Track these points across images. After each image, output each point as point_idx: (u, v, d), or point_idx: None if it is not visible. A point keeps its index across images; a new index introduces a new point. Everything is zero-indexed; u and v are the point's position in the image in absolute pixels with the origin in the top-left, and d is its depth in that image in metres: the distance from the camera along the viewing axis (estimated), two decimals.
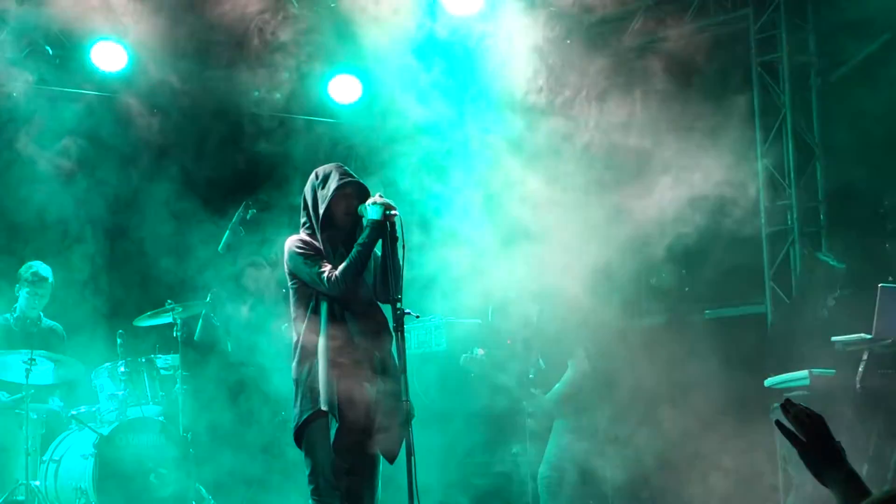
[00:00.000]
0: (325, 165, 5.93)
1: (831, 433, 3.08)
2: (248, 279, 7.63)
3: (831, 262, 8.06)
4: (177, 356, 8.93)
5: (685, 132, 8.24)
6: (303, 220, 5.88)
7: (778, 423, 3.17)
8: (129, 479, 8.40)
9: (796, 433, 3.09)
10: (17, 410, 8.56)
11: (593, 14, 9.05)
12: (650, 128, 8.67)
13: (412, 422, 5.46)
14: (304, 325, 5.69)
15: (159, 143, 9.76)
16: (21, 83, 8.91)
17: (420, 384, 9.17)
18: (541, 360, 8.20)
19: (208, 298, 8.85)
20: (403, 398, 5.47)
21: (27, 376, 8.43)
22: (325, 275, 5.61)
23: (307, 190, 5.87)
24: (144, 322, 9.06)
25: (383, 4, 7.71)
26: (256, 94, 10.13)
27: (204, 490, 8.81)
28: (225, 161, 10.37)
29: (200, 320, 8.93)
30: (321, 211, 5.74)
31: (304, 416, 5.60)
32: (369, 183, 5.89)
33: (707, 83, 9.42)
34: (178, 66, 9.17)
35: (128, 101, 9.38)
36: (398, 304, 5.56)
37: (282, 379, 6.88)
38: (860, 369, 7.14)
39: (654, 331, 9.55)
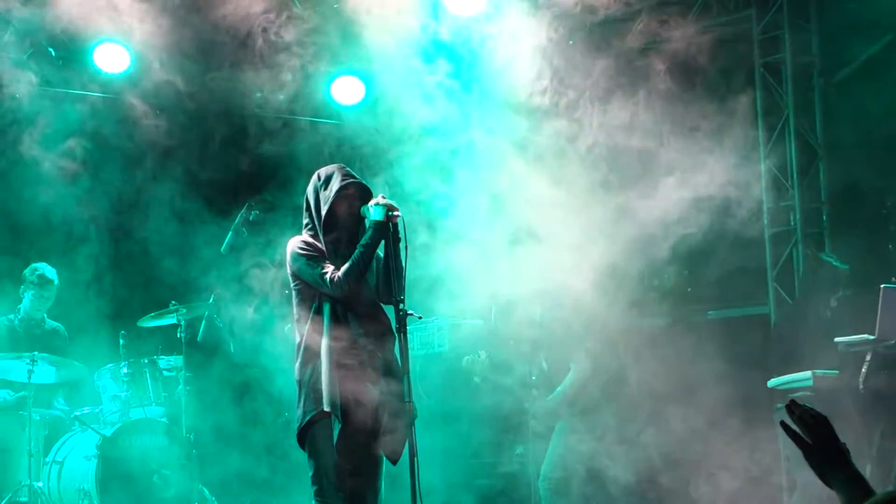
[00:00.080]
0: (327, 166, 5.92)
1: (836, 434, 3.08)
2: (252, 280, 7.62)
3: (834, 263, 8.06)
4: (180, 357, 8.92)
5: (688, 133, 8.24)
6: (305, 221, 5.88)
7: (783, 423, 3.17)
8: (132, 480, 8.40)
9: (801, 434, 3.09)
10: (20, 412, 8.57)
11: (596, 15, 9.04)
12: (653, 129, 8.67)
13: (415, 423, 5.46)
14: (307, 327, 5.68)
15: (163, 145, 9.76)
16: (24, 85, 8.91)
17: (423, 385, 9.18)
18: (544, 362, 8.19)
19: (211, 299, 8.85)
20: (406, 399, 5.47)
21: (29, 377, 8.44)
22: (328, 276, 5.61)
23: (309, 191, 5.86)
24: (148, 323, 9.05)
25: (386, 5, 7.70)
26: (259, 95, 10.14)
27: (207, 491, 8.81)
28: (229, 162, 10.37)
29: (203, 321, 8.93)
30: (323, 212, 5.74)
31: (308, 418, 5.59)
32: (374, 184, 5.89)
33: (710, 84, 9.42)
34: (182, 67, 9.17)
35: (131, 103, 9.38)
36: (401, 306, 5.56)
37: (285, 380, 6.88)
38: (863, 370, 7.13)
39: (657, 331, 9.55)
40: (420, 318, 5.90)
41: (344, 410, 5.50)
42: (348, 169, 5.89)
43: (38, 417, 8.64)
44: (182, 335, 8.85)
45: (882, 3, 8.69)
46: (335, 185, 5.74)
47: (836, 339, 7.27)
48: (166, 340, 9.23)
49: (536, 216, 7.51)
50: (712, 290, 9.97)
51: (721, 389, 7.92)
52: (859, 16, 8.86)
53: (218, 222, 8.90)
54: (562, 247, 7.34)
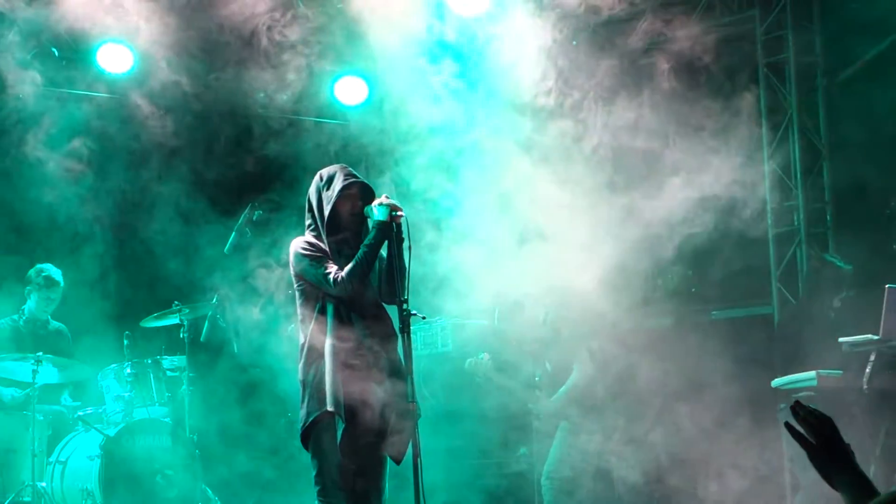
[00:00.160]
0: (330, 167, 5.92)
1: (841, 435, 3.07)
2: (257, 280, 7.63)
3: (838, 263, 8.05)
4: (183, 357, 8.93)
5: (692, 133, 8.24)
6: (308, 221, 5.87)
7: (787, 424, 3.16)
8: (136, 480, 8.39)
9: (805, 435, 3.09)
10: (23, 412, 8.57)
11: (600, 15, 9.04)
12: (658, 129, 8.67)
13: (419, 423, 5.46)
14: (311, 327, 5.68)
15: (167, 145, 9.76)
16: (29, 85, 8.91)
17: (427, 385, 9.18)
18: (547, 363, 8.20)
19: (214, 300, 8.85)
20: (410, 400, 5.47)
21: (34, 378, 8.44)
22: (331, 276, 5.60)
23: (312, 191, 5.86)
24: (151, 323, 9.06)
25: (391, 5, 7.70)
26: (263, 95, 10.14)
27: (210, 491, 8.81)
28: (233, 162, 10.38)
29: (206, 321, 8.93)
30: (326, 212, 5.74)
31: (311, 418, 5.59)
32: (379, 183, 5.89)
33: (714, 84, 9.42)
34: (186, 67, 9.16)
35: (136, 103, 9.38)
36: (404, 306, 5.56)
37: (289, 380, 6.88)
38: (867, 370, 7.13)
39: (661, 331, 9.55)
40: (424, 318, 5.90)
41: (348, 410, 5.49)
42: (350, 169, 5.89)
43: (41, 417, 8.64)
44: (185, 335, 8.86)
45: (885, 3, 8.68)
46: (337, 185, 5.74)
47: (840, 339, 7.26)
48: (170, 341, 9.24)
49: (541, 216, 7.51)
50: (716, 290, 9.97)
51: (726, 389, 7.93)
52: (863, 15, 8.85)
53: (223, 222, 8.90)
54: (567, 247, 7.35)
